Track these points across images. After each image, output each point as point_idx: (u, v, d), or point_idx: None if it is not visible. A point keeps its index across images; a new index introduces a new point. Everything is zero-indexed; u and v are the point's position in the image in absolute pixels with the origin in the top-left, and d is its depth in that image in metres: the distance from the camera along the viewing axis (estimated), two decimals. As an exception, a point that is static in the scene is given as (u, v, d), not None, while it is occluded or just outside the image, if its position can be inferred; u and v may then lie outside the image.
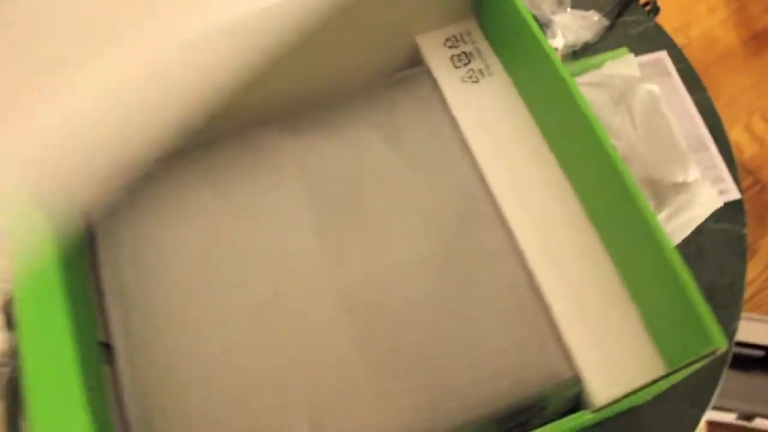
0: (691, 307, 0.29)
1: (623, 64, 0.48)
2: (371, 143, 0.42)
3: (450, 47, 0.44)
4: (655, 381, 0.31)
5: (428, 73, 0.44)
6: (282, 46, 0.40)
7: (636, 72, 0.47)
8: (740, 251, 0.45)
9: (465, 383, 0.35)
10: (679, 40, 0.53)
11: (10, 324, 0.47)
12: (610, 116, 0.44)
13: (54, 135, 0.33)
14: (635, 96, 0.44)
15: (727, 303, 0.44)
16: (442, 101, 0.42)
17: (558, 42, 0.51)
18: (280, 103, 0.44)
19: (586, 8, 0.53)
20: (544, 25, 0.52)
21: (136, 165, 0.43)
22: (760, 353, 0.76)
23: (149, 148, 0.38)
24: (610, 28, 0.53)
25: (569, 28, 0.51)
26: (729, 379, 0.43)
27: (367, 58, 0.44)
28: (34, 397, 0.31)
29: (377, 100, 0.44)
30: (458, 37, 0.44)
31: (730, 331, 0.43)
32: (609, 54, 0.50)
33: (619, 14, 0.54)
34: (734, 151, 0.48)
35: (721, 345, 0.28)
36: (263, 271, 0.39)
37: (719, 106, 0.51)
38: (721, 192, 0.45)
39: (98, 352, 0.38)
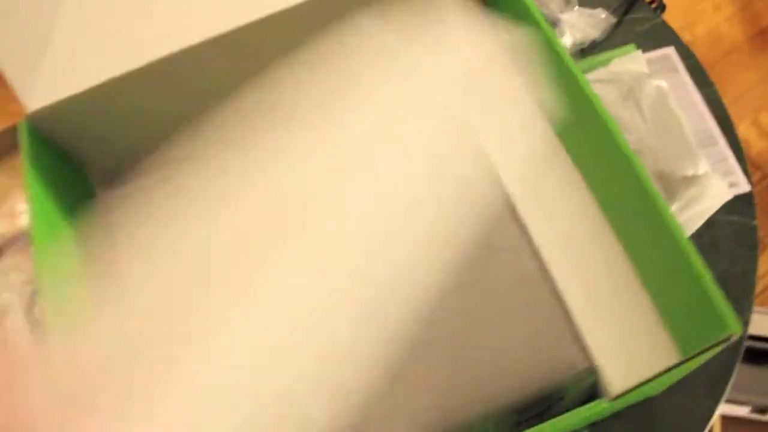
0: (705, 293, 0.29)
1: (631, 61, 0.48)
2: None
3: (461, 47, 0.45)
4: (670, 368, 0.31)
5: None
6: (285, 47, 0.41)
7: (644, 68, 0.48)
8: (751, 242, 0.45)
9: (483, 376, 0.35)
10: (685, 37, 0.53)
11: (34, 325, 0.48)
12: (620, 112, 0.44)
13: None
14: (644, 92, 0.45)
15: (739, 294, 0.44)
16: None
17: (566, 40, 0.52)
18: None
19: (593, 6, 0.54)
20: (552, 24, 0.52)
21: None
22: (772, 347, 0.77)
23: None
24: (617, 26, 0.54)
25: (577, 27, 0.51)
26: (742, 372, 0.44)
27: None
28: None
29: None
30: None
31: (742, 322, 0.43)
32: (616, 51, 0.50)
33: (626, 12, 0.55)
34: (742, 145, 0.49)
35: (735, 330, 0.28)
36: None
37: (726, 103, 0.51)
38: (731, 185, 0.46)
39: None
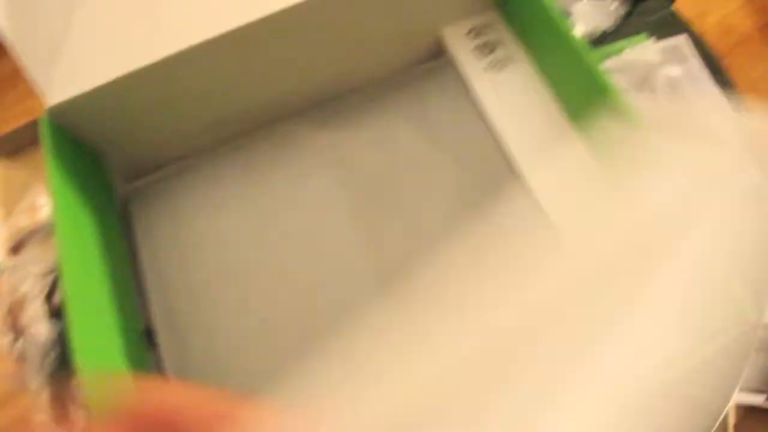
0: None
1: (643, 51, 0.49)
2: (401, 131, 0.43)
3: (474, 38, 0.45)
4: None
5: (453, 63, 0.45)
6: (310, 40, 0.42)
7: (656, 57, 0.48)
8: None
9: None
10: (694, 28, 0.54)
11: (52, 314, 0.49)
12: (633, 101, 0.45)
13: None
14: (656, 80, 0.45)
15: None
16: (468, 90, 0.44)
17: (577, 31, 0.52)
18: (309, 97, 0.45)
19: (604, -3, 0.54)
20: (563, 15, 0.52)
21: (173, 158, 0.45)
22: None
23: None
24: (627, 16, 0.54)
25: (588, 17, 0.52)
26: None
27: (392, 51, 0.46)
28: (87, 383, 0.33)
29: (404, 90, 0.45)
30: (481, 28, 0.45)
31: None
32: (628, 41, 0.51)
33: (637, 1, 0.55)
34: (754, 135, 0.49)
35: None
36: (300, 257, 0.41)
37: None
38: (744, 172, 0.46)
39: (141, 339, 0.40)
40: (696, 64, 0.50)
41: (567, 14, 0.52)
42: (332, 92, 0.45)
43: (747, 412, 0.74)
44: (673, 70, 0.46)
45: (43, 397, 0.46)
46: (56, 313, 0.49)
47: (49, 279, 0.50)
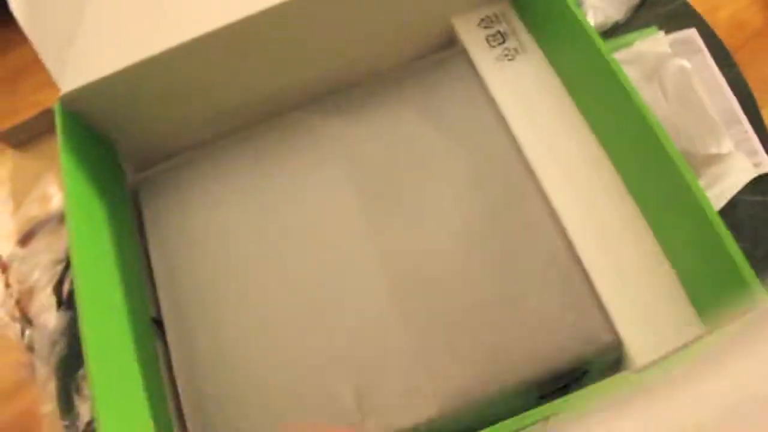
0: (731, 261, 0.30)
1: (653, 42, 0.48)
2: (410, 121, 0.43)
3: (485, 27, 0.45)
4: (695, 340, 0.32)
5: (464, 53, 0.45)
6: (318, 28, 0.42)
7: (666, 49, 0.48)
8: (775, 224, 0.45)
9: (508, 348, 0.36)
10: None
11: (61, 304, 0.49)
12: (642, 92, 0.44)
13: None
14: (667, 72, 0.45)
15: (762, 275, 0.44)
16: (479, 80, 0.43)
17: (588, 22, 0.52)
18: (319, 87, 0.45)
19: (615, -11, 0.54)
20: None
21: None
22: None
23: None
24: (638, 8, 0.54)
25: (599, 8, 0.52)
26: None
27: (401, 41, 0.46)
28: (94, 370, 0.33)
29: (414, 80, 0.45)
30: (492, 17, 0.45)
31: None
32: (639, 33, 0.50)
33: (648, -6, 0.55)
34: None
35: (761, 297, 0.29)
36: (306, 246, 0.41)
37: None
38: (755, 165, 0.46)
39: (150, 327, 0.40)
40: (707, 56, 0.50)
41: (578, 5, 0.52)
42: (341, 82, 0.45)
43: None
44: (684, 63, 0.45)
45: (50, 387, 0.46)
46: (65, 302, 0.49)
47: (59, 268, 0.51)
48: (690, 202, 0.32)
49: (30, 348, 0.48)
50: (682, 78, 0.44)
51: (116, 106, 0.41)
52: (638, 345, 0.34)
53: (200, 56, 0.40)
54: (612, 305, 0.36)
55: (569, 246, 0.38)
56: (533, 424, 0.32)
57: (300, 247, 0.41)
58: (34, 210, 0.54)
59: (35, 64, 0.40)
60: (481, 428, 0.32)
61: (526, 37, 0.44)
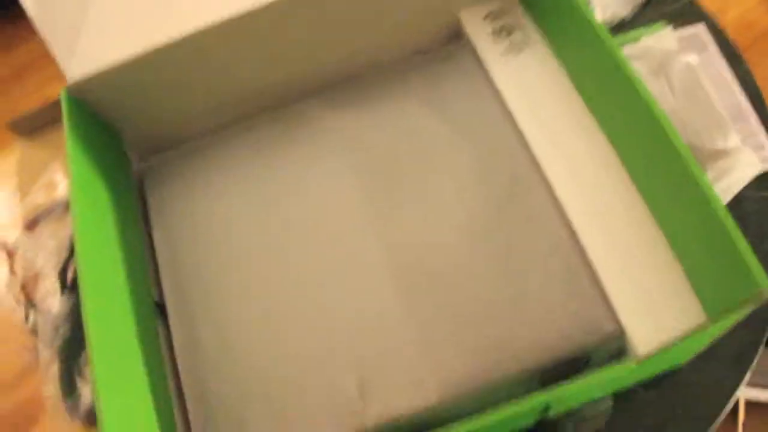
0: (735, 250, 0.29)
1: (661, 38, 0.48)
2: (415, 113, 0.43)
3: (491, 21, 0.45)
4: (698, 329, 0.31)
5: (470, 46, 0.45)
6: (322, 20, 0.42)
7: (674, 45, 0.48)
8: (782, 220, 0.45)
9: (511, 337, 0.36)
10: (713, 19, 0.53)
11: (65, 288, 0.49)
12: (649, 86, 0.44)
13: None
14: (674, 67, 0.45)
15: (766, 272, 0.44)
16: (485, 73, 0.43)
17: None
18: (324, 78, 0.45)
19: (623, -15, 0.54)
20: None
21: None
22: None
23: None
24: (645, 5, 0.54)
25: (606, 5, 0.52)
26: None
27: (407, 33, 0.46)
28: (96, 353, 0.33)
29: (420, 73, 0.45)
30: (499, 11, 0.45)
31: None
32: (646, 28, 0.50)
33: (655, -9, 0.55)
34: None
35: (764, 285, 0.28)
36: (309, 237, 0.41)
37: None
38: (762, 160, 0.46)
39: (152, 312, 0.40)
40: (714, 52, 0.50)
41: (586, 1, 0.52)
42: (346, 75, 0.45)
43: (757, 408, 0.73)
44: (691, 58, 0.45)
45: (53, 370, 0.46)
46: (69, 287, 0.50)
47: (64, 254, 0.51)
48: (696, 194, 0.32)
49: (34, 332, 0.48)
50: (689, 73, 0.44)
51: (122, 95, 0.42)
52: (641, 335, 0.34)
53: (205, 47, 0.40)
54: (615, 296, 0.36)
55: (573, 237, 0.38)
56: (533, 408, 0.32)
57: (302, 237, 0.41)
58: (40, 197, 0.54)
59: (42, 59, 0.41)
60: (483, 417, 0.32)
61: (532, 31, 0.44)
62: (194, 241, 0.42)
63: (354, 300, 0.39)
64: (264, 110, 0.45)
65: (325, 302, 0.39)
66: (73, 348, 0.46)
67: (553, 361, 0.35)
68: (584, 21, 0.38)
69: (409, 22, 0.45)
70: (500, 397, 0.34)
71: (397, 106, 0.44)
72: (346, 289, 0.39)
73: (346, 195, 0.41)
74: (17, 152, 0.59)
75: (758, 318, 0.42)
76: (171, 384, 0.39)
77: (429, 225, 0.40)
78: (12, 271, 0.51)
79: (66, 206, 0.53)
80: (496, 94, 0.43)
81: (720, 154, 0.42)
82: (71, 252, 0.50)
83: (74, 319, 0.47)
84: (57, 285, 0.50)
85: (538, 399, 0.32)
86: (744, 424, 0.73)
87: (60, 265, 0.50)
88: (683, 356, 0.40)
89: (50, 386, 0.45)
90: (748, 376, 0.41)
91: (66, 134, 0.38)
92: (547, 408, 0.35)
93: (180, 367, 0.38)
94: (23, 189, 0.57)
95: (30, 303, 0.50)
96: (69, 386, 0.45)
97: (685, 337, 0.32)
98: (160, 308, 0.41)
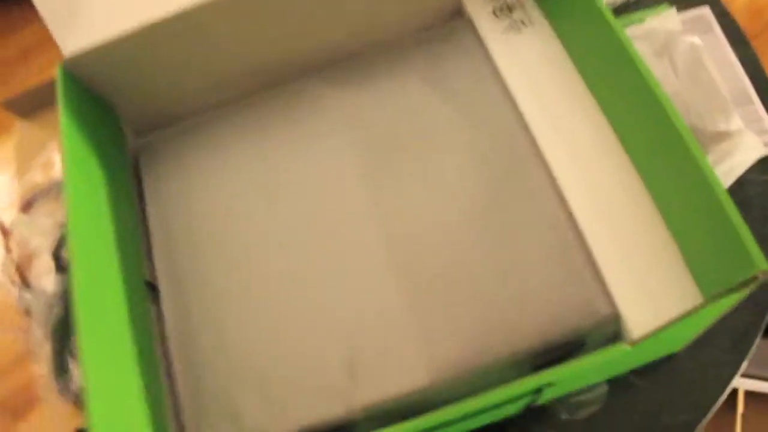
0: (734, 233, 0.29)
1: (665, 19, 0.47)
2: (415, 92, 0.43)
3: (491, -1, 0.44)
4: (693, 311, 0.31)
5: (470, 24, 0.44)
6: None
7: (678, 26, 0.47)
8: (785, 204, 0.44)
9: (504, 319, 0.35)
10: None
11: (60, 268, 0.49)
12: (652, 67, 0.43)
13: None
14: (677, 48, 0.44)
15: (768, 257, 0.43)
16: (485, 51, 0.43)
17: (599, 0, 0.51)
18: (323, 55, 0.45)
19: (627, -34, 0.53)
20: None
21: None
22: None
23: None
24: (650, -13, 0.53)
25: (610, -14, 0.51)
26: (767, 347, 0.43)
27: (408, 11, 0.45)
28: (84, 334, 0.32)
29: (420, 51, 0.44)
30: (499, -11, 0.45)
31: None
32: (650, 9, 0.49)
33: (661, -28, 0.54)
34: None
35: (763, 267, 0.28)
36: (308, 214, 0.40)
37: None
38: (766, 144, 0.45)
39: (144, 291, 0.40)
40: (719, 34, 0.49)
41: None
42: (346, 51, 0.45)
43: (755, 399, 0.72)
44: (695, 39, 0.44)
45: (46, 350, 0.46)
46: (64, 267, 0.49)
47: (59, 234, 0.51)
48: (697, 176, 0.31)
49: (28, 312, 0.48)
50: (693, 54, 0.43)
51: (119, 70, 0.41)
52: (637, 319, 0.34)
53: (203, 23, 0.40)
54: (612, 278, 0.35)
55: (570, 218, 0.37)
56: (524, 392, 0.31)
57: (299, 216, 0.40)
58: (37, 177, 0.54)
59: (48, 41, 0.40)
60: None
61: (533, 9, 0.43)
62: (189, 220, 0.42)
63: (348, 278, 0.38)
64: (263, 88, 0.45)
65: (317, 281, 0.38)
66: (65, 328, 0.46)
67: (547, 345, 0.35)
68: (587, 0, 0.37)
69: (410, 0, 0.45)
70: (492, 381, 0.33)
71: (397, 84, 0.43)
72: (341, 270, 0.38)
73: (344, 174, 0.41)
74: (15, 132, 0.59)
75: (756, 304, 0.41)
76: (160, 357, 0.38)
77: (426, 203, 0.39)
78: (8, 249, 0.51)
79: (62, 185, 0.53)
80: (496, 72, 0.42)
81: (722, 137, 0.41)
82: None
83: (68, 298, 0.47)
84: (52, 264, 0.49)
85: (530, 382, 0.32)
86: (743, 416, 0.72)
87: (55, 245, 0.50)
88: (679, 341, 0.39)
89: (43, 366, 0.45)
90: (745, 364, 0.40)
91: (60, 109, 0.38)
92: (538, 391, 0.35)
93: (172, 350, 0.38)
94: (21, 169, 0.56)
95: (25, 282, 0.49)
96: (61, 366, 0.45)
97: (681, 319, 0.31)
98: (152, 287, 0.40)
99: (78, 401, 0.44)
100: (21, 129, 0.59)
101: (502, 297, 0.36)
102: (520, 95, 0.41)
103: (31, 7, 0.40)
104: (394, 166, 0.41)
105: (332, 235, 0.39)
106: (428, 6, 0.45)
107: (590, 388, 0.40)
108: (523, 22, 0.43)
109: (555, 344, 0.35)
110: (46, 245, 0.50)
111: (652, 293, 0.34)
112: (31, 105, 0.58)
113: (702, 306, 0.30)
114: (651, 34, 0.45)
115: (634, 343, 0.32)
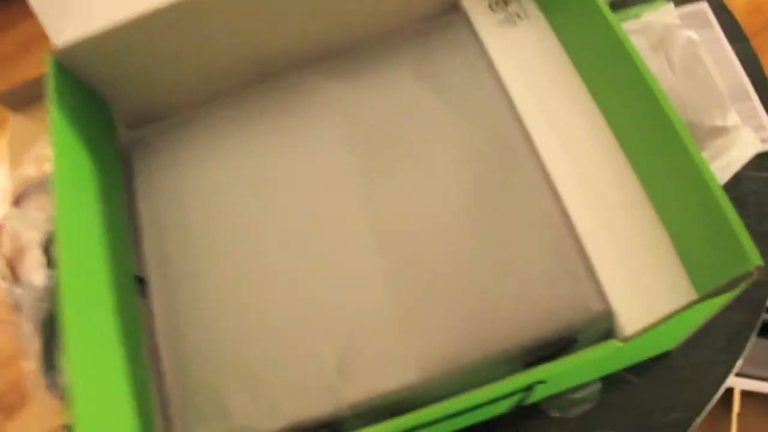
0: (729, 228, 0.28)
1: (662, 13, 0.47)
2: (409, 83, 0.42)
3: (487, -8, 0.44)
4: (686, 307, 0.30)
5: (465, 17, 0.44)
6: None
7: (675, 20, 0.46)
8: (781, 200, 0.44)
9: (495, 314, 0.35)
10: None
11: (51, 263, 0.48)
12: (649, 62, 0.43)
13: None
14: (674, 42, 0.43)
15: (764, 254, 0.43)
16: (480, 44, 0.42)
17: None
18: (316, 48, 0.44)
19: (625, -39, 0.52)
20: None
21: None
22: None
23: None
24: (648, -18, 0.52)
25: (607, -20, 0.50)
26: (763, 347, 0.42)
27: (403, 4, 0.45)
28: (70, 328, 0.32)
29: (414, 43, 0.44)
30: (494, -18, 0.44)
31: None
32: (647, 4, 0.49)
33: (659, -33, 0.53)
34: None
35: (756, 262, 0.27)
36: (299, 207, 0.40)
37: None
38: (763, 140, 0.44)
39: (133, 285, 0.39)
40: (717, 30, 0.48)
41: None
42: (340, 44, 0.44)
43: (751, 399, 0.72)
44: (692, 34, 0.44)
45: (36, 344, 0.46)
46: (54, 261, 0.49)
47: (50, 228, 0.50)
48: (692, 172, 0.31)
49: (18, 307, 0.48)
50: (690, 49, 0.43)
51: (111, 62, 0.41)
52: (629, 315, 0.33)
53: (196, 14, 0.39)
54: (605, 275, 0.35)
55: (563, 214, 0.37)
56: (515, 389, 0.31)
57: (291, 212, 0.40)
58: (29, 170, 0.54)
59: (46, 36, 0.40)
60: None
61: (529, 2, 0.43)
62: (181, 215, 0.41)
63: (339, 273, 0.38)
64: (256, 81, 0.44)
65: (308, 276, 0.38)
66: (54, 323, 0.46)
67: (538, 341, 0.34)
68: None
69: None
70: (482, 378, 0.33)
71: (392, 78, 0.43)
72: (332, 266, 0.38)
73: (337, 169, 0.40)
74: (8, 126, 0.59)
75: (750, 302, 0.41)
76: (148, 351, 0.38)
77: (419, 197, 0.39)
78: (-1, 245, 0.51)
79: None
80: (491, 66, 0.42)
81: (719, 132, 0.40)
82: (56, 225, 0.50)
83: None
84: (43, 259, 0.49)
85: (521, 379, 0.31)
86: (739, 416, 0.72)
87: (46, 239, 0.49)
88: (673, 338, 0.39)
89: (32, 361, 0.45)
90: (740, 363, 0.40)
91: (50, 101, 0.38)
92: (529, 389, 0.34)
93: (160, 345, 0.38)
94: (14, 162, 0.56)
95: (16, 277, 0.49)
96: (49, 362, 0.44)
97: (673, 316, 0.30)
98: (140, 280, 0.40)
99: (66, 396, 0.44)
100: (14, 122, 0.59)
101: (493, 293, 0.35)
102: (515, 89, 0.40)
103: (26, 3, 0.39)
104: (387, 161, 0.40)
105: (324, 231, 0.39)
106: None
107: (583, 387, 0.39)
108: (518, 16, 0.43)
109: (546, 341, 0.34)
110: (38, 239, 0.50)
111: (645, 290, 0.34)
112: (24, 98, 0.58)
113: (695, 303, 0.30)
114: (647, 28, 0.45)
115: (626, 340, 0.32)
